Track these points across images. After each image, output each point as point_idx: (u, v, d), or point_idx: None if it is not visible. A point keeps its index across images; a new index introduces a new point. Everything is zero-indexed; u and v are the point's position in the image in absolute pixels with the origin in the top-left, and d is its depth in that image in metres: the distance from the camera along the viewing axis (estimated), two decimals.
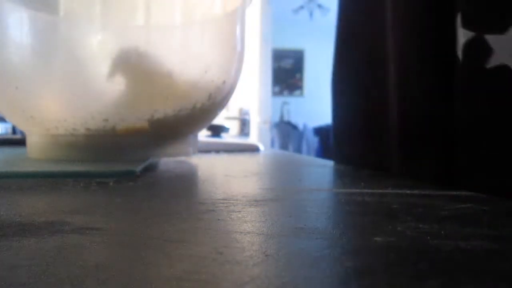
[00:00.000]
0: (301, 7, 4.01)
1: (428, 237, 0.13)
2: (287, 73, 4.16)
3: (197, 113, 0.36)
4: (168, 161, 0.39)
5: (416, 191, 0.22)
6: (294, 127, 3.76)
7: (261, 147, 0.58)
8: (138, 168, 0.28)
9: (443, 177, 0.29)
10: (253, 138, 2.80)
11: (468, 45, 0.26)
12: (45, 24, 0.33)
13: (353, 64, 0.40)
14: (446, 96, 0.28)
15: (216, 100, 0.37)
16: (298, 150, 3.61)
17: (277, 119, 3.84)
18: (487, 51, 0.25)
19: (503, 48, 0.24)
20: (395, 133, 0.33)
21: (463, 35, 0.26)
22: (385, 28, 0.34)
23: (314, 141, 3.71)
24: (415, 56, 0.31)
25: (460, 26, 0.26)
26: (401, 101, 0.32)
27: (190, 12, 0.36)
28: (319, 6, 4.01)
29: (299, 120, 3.84)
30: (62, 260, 0.11)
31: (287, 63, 4.17)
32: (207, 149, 0.53)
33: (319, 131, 3.74)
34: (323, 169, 0.36)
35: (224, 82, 0.37)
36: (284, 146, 3.58)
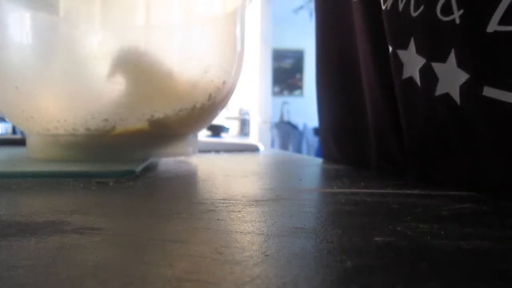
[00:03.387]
0: (301, 7, 4.01)
1: (428, 237, 0.13)
2: (287, 73, 4.16)
3: (197, 113, 0.36)
4: (168, 161, 0.39)
5: (416, 191, 0.22)
6: (294, 127, 3.75)
7: (261, 147, 0.58)
8: (138, 168, 0.28)
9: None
10: (253, 138, 2.80)
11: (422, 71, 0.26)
12: (45, 24, 0.33)
13: (332, 65, 0.40)
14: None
15: (216, 100, 0.37)
16: (298, 150, 3.61)
17: (277, 119, 3.84)
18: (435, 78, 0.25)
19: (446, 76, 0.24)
20: (371, 132, 0.34)
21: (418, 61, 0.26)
22: (353, 32, 0.35)
23: (314, 141, 3.70)
24: (374, 59, 0.31)
25: (415, 52, 0.26)
26: (372, 101, 0.33)
27: (190, 12, 0.36)
28: None
29: (299, 120, 3.84)
30: (62, 260, 0.11)
31: (287, 63, 4.17)
32: (207, 149, 0.53)
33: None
34: (323, 169, 0.36)
35: (224, 82, 0.37)
36: (284, 146, 3.58)
